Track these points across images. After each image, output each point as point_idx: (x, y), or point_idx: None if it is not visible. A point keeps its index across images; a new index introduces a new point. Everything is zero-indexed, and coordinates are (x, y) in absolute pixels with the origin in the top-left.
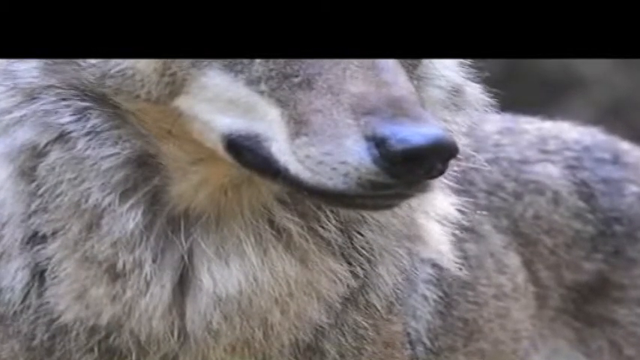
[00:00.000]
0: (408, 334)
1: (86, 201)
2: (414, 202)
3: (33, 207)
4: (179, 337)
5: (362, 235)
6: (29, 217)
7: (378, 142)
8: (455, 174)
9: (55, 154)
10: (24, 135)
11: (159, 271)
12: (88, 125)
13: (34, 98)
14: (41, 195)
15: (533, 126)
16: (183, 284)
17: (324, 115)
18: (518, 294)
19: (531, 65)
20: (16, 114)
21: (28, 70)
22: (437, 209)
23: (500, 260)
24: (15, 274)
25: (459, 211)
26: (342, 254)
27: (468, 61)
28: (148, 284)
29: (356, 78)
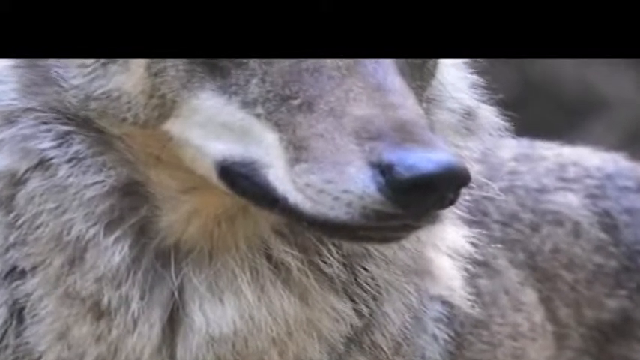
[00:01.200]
0: None
1: (68, 233)
2: (422, 234)
3: (11, 239)
4: None
5: (367, 270)
6: (7, 250)
7: (383, 170)
8: (467, 204)
9: (34, 182)
10: (1, 161)
11: (147, 309)
12: (71, 151)
13: (13, 122)
14: (20, 226)
15: (551, 152)
16: (173, 323)
17: (325, 140)
18: (536, 333)
19: (549, 86)
20: None
21: (5, 92)
22: (447, 242)
23: (515, 297)
24: None
25: (472, 243)
26: (345, 291)
27: (481, 83)
28: (135, 323)
29: (360, 100)
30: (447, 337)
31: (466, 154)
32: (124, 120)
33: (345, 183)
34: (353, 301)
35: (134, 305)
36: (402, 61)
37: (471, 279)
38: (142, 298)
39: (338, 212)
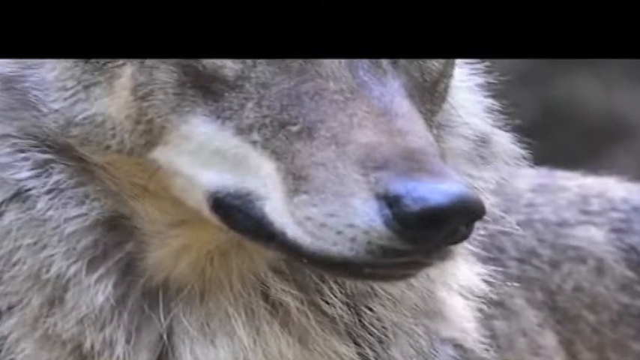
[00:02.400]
0: None
1: (48, 270)
2: (433, 271)
3: None
4: None
5: (372, 310)
6: None
7: (390, 202)
8: (481, 239)
9: (11, 215)
10: None
11: (133, 353)
12: (50, 181)
13: None
14: None
15: (573, 182)
16: None
17: (327, 170)
18: None
19: (570, 111)
20: None
21: None
22: (460, 280)
23: (534, 340)
24: None
25: (486, 282)
26: (349, 333)
27: (497, 107)
28: None
29: (365, 126)
30: None
31: (480, 184)
32: (108, 147)
33: (348, 216)
34: (357, 344)
35: (119, 349)
36: (410, 83)
37: (486, 320)
38: (127, 341)
39: (341, 248)
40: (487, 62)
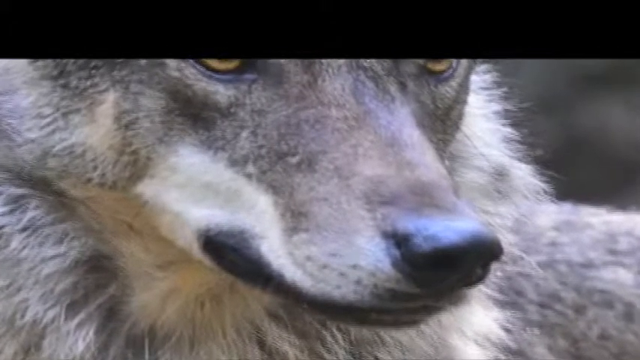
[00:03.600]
0: None
1: (23, 315)
2: (445, 317)
3: None
4: None
5: None
6: None
7: (399, 240)
8: (498, 281)
9: None
10: None
11: None
12: (25, 218)
13: None
14: None
15: (599, 219)
16: None
17: (329, 205)
18: None
19: (596, 140)
20: None
21: None
22: (475, 327)
23: None
24: None
25: (504, 328)
26: None
27: (515, 136)
28: None
29: (370, 157)
30: None
31: (497, 221)
32: (89, 181)
33: (352, 256)
34: None
35: None
36: (420, 110)
37: None
38: None
39: (345, 291)
40: (505, 88)
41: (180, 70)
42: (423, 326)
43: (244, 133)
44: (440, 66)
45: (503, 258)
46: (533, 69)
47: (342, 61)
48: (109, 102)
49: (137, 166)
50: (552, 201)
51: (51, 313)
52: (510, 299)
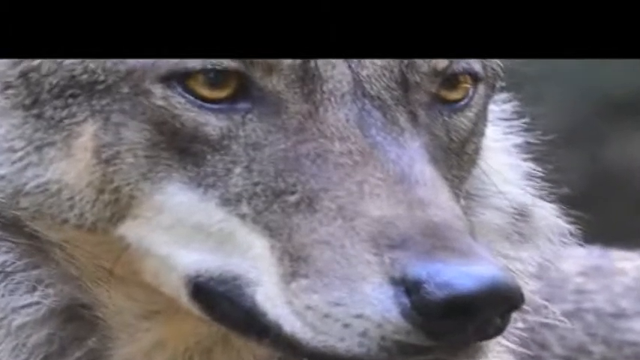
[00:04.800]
0: None
1: None
2: None
3: None
4: None
5: None
6: None
7: (409, 288)
8: (519, 333)
9: None
10: None
11: None
12: None
13: None
14: None
15: (631, 264)
16: None
17: (332, 249)
18: None
19: (626, 175)
20: None
21: None
22: None
23: None
24: None
25: None
26: None
27: (539, 172)
28: None
29: (377, 195)
30: None
31: (518, 266)
32: (66, 222)
33: (357, 305)
34: None
35: None
36: (433, 144)
37: None
38: None
39: (349, 344)
40: (526, 118)
41: (166, 98)
42: None
43: (238, 169)
44: (454, 94)
45: (525, 307)
46: (556, 97)
47: (345, 89)
48: (87, 134)
49: (119, 206)
50: (579, 244)
51: None
52: (533, 353)
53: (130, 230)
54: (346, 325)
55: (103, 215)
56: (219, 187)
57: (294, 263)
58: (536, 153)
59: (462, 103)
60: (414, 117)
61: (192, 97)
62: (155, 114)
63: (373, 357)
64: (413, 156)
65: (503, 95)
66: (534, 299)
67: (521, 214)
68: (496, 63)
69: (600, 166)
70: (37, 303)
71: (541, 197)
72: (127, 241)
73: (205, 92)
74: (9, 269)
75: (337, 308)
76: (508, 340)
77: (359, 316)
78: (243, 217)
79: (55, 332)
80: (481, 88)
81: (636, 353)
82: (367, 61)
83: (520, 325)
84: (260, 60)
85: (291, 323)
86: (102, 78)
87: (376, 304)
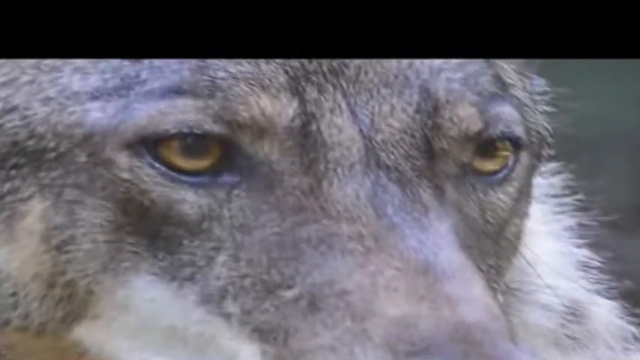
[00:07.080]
0: None
1: None
2: None
3: None
4: None
5: None
6: None
7: None
8: None
9: None
10: None
11: None
12: None
13: None
14: None
15: None
16: None
17: (338, 357)
18: None
19: None
20: None
21: None
22: None
23: None
24: None
25: None
26: None
27: (596, 261)
28: None
29: (395, 290)
30: None
31: None
32: (7, 323)
33: None
34: None
35: None
36: (464, 226)
37: None
38: None
39: None
40: (581, 195)
41: (132, 170)
42: None
43: (221, 258)
44: (491, 164)
45: None
46: (617, 167)
47: (355, 157)
48: (34, 214)
49: (73, 304)
50: None
51: None
52: None
53: (87, 334)
54: None
55: (53, 315)
56: (199, 281)
57: None
58: (592, 238)
59: (500, 175)
60: (440, 192)
61: (164, 168)
62: (118, 189)
63: None
64: (438, 241)
65: (552, 166)
66: None
67: (574, 314)
68: (542, 126)
69: None
70: None
71: (598, 293)
72: (83, 347)
73: (181, 162)
74: None
75: None
76: None
77: None
78: (227, 317)
79: None
80: (524, 157)
81: None
82: (382, 124)
83: None
84: (248, 122)
85: None
86: (52, 144)
87: None
